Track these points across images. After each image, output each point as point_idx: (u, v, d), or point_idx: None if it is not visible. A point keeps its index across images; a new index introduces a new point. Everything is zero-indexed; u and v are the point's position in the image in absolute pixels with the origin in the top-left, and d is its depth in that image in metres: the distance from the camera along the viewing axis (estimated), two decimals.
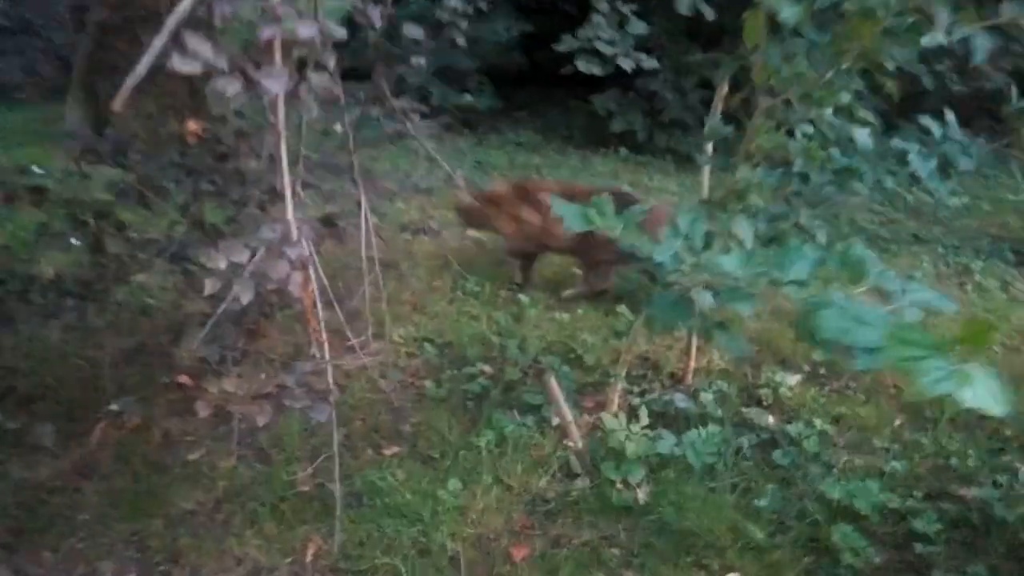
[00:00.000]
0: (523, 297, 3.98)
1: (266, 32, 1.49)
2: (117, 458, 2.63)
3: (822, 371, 3.35)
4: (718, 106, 2.79)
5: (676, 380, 3.17)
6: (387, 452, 2.71)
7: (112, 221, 2.34)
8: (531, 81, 10.03)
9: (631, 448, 2.46)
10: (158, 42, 1.51)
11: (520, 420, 2.82)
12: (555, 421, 2.76)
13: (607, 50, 7.32)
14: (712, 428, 2.63)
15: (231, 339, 2.40)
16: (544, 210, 4.19)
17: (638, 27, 7.35)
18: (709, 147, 2.93)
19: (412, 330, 3.59)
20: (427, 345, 3.47)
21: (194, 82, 2.36)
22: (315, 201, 2.86)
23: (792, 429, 2.78)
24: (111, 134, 2.17)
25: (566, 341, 3.53)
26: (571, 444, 2.61)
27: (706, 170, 2.98)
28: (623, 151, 8.00)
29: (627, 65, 7.35)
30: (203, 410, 1.89)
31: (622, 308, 3.87)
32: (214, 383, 1.99)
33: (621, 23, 7.40)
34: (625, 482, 2.42)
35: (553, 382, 2.61)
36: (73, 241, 2.36)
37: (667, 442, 2.51)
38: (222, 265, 1.65)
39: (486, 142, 8.34)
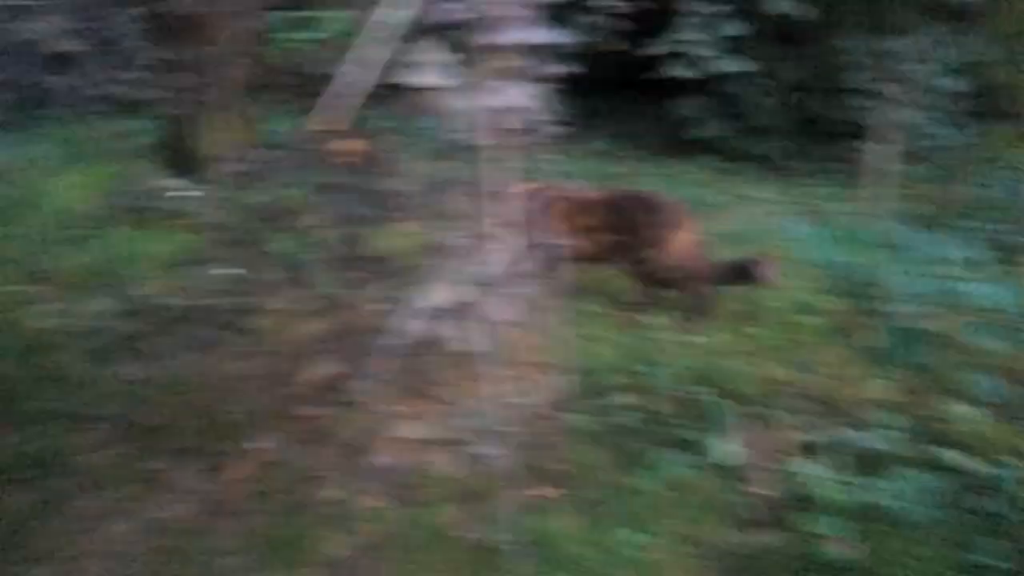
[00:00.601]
0: (650, 319, 3.73)
1: (504, 37, 1.28)
2: (249, 495, 2.47)
3: (996, 400, 3.02)
4: (890, 106, 2.52)
5: (841, 413, 2.87)
6: (540, 493, 2.48)
7: (262, 246, 2.17)
8: (596, 89, 9.76)
9: (830, 496, 2.20)
10: (381, 54, 1.32)
11: (679, 459, 2.58)
12: (727, 461, 2.50)
13: (699, 53, 7.10)
14: (909, 471, 2.34)
15: (389, 374, 2.21)
16: (553, 215, 3.84)
17: (731, 28, 7.11)
18: (875, 151, 2.63)
19: (535, 356, 3.36)
20: (557, 373, 3.23)
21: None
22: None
23: (992, 471, 2.47)
24: (263, 154, 2.00)
25: (706, 368, 3.26)
26: (756, 490, 2.35)
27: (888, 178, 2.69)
28: (710, 158, 7.67)
29: (724, 69, 7.11)
30: (385, 457, 1.71)
31: (754, 330, 3.59)
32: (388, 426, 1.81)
33: (710, 25, 7.16)
34: (830, 536, 2.14)
35: (735, 422, 2.37)
36: (213, 271, 2.20)
37: (875, 490, 2.23)
38: (428, 303, 1.45)
39: (568, 152, 8.09)
